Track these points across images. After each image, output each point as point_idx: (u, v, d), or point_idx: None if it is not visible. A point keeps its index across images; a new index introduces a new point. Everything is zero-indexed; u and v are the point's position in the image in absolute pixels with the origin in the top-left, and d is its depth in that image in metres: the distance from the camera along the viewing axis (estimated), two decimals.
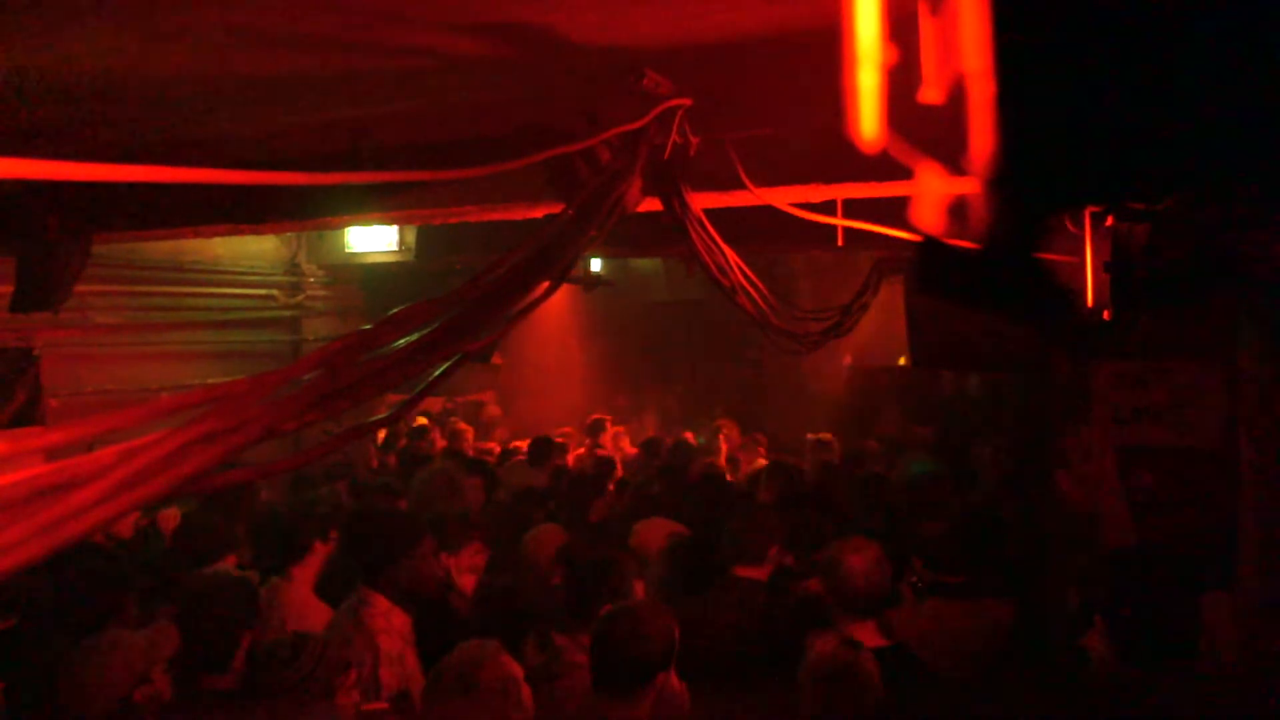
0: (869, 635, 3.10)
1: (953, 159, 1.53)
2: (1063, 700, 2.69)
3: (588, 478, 6.27)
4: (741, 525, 3.94)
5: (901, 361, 10.78)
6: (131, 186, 4.32)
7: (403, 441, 8.08)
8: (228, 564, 4.15)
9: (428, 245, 7.72)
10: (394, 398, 2.50)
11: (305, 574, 3.98)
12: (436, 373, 2.01)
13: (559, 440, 7.75)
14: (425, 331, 1.78)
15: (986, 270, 1.52)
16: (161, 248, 7.26)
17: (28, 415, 5.72)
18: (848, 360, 12.30)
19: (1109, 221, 3.20)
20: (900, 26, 1.68)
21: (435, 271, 8.04)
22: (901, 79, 1.70)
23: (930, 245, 1.63)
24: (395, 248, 8.34)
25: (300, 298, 9.15)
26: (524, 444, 8.32)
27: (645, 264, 12.67)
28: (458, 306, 1.92)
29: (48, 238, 4.75)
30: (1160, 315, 4.76)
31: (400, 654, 3.34)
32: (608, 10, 2.69)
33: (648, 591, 3.55)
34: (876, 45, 1.66)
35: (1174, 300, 3.47)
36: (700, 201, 3.64)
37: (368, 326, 1.70)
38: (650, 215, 3.57)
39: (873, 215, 3.94)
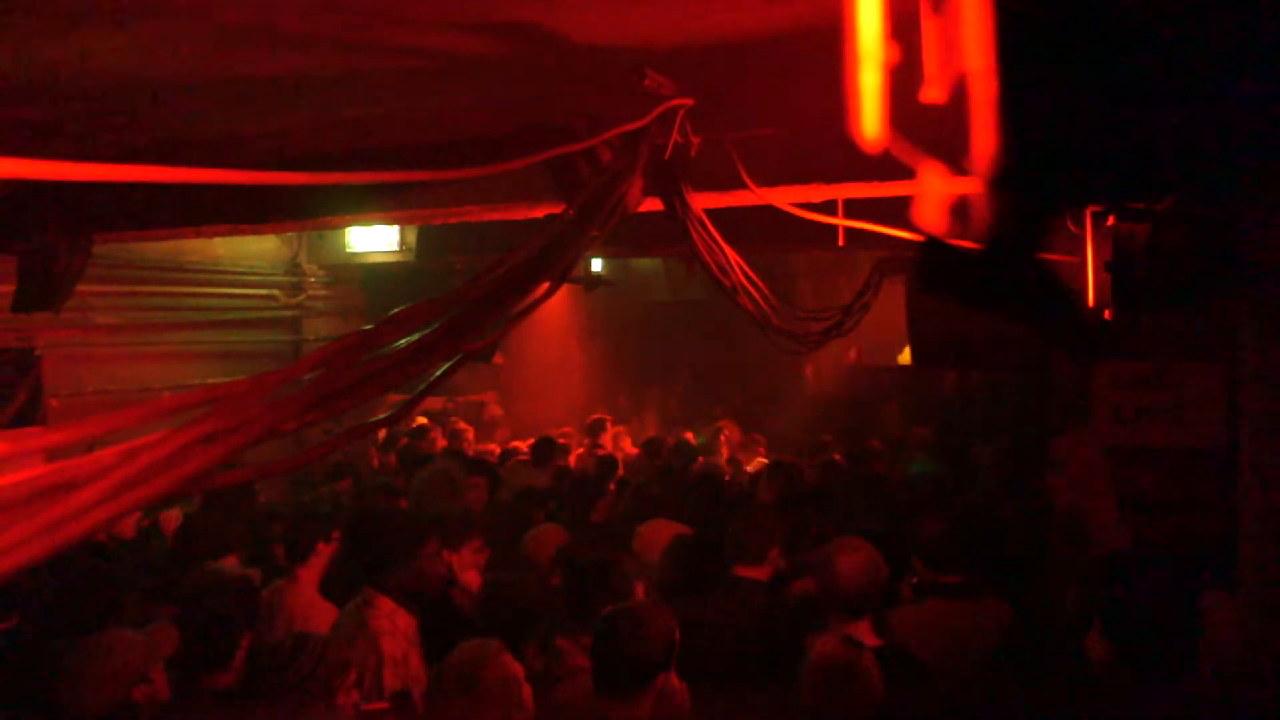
0: (862, 635, 3.10)
1: (954, 159, 1.53)
2: (1062, 701, 2.69)
3: (590, 478, 6.27)
4: (742, 525, 3.93)
5: (904, 354, 10.78)
6: (131, 186, 4.32)
7: (403, 441, 8.08)
8: (229, 564, 4.15)
9: (428, 245, 7.73)
10: (394, 398, 2.51)
11: (310, 575, 3.97)
12: (437, 373, 2.01)
13: (560, 441, 7.75)
14: (426, 331, 1.78)
15: (988, 270, 1.52)
16: (161, 248, 7.26)
17: (28, 415, 5.73)
18: (852, 353, 12.31)
19: (1110, 221, 3.21)
20: (902, 25, 1.68)
21: (435, 271, 8.04)
22: (903, 78, 1.69)
23: (931, 245, 1.63)
24: (396, 248, 8.35)
25: (301, 298, 9.16)
26: (524, 444, 8.32)
27: (646, 264, 12.68)
28: (458, 306, 1.92)
29: (48, 238, 4.75)
30: (1160, 315, 4.76)
31: (404, 655, 3.34)
32: (608, 10, 2.69)
33: (648, 592, 3.55)
34: (878, 44, 1.66)
35: (1174, 300, 3.47)
36: (701, 201, 3.64)
37: (368, 326, 1.70)
38: (651, 215, 3.57)
39: (874, 215, 3.95)
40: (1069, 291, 3.03)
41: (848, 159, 3.25)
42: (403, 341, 1.73)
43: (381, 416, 2.25)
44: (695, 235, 3.60)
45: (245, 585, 3.37)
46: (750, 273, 4.10)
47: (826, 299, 7.97)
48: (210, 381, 5.05)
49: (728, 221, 3.76)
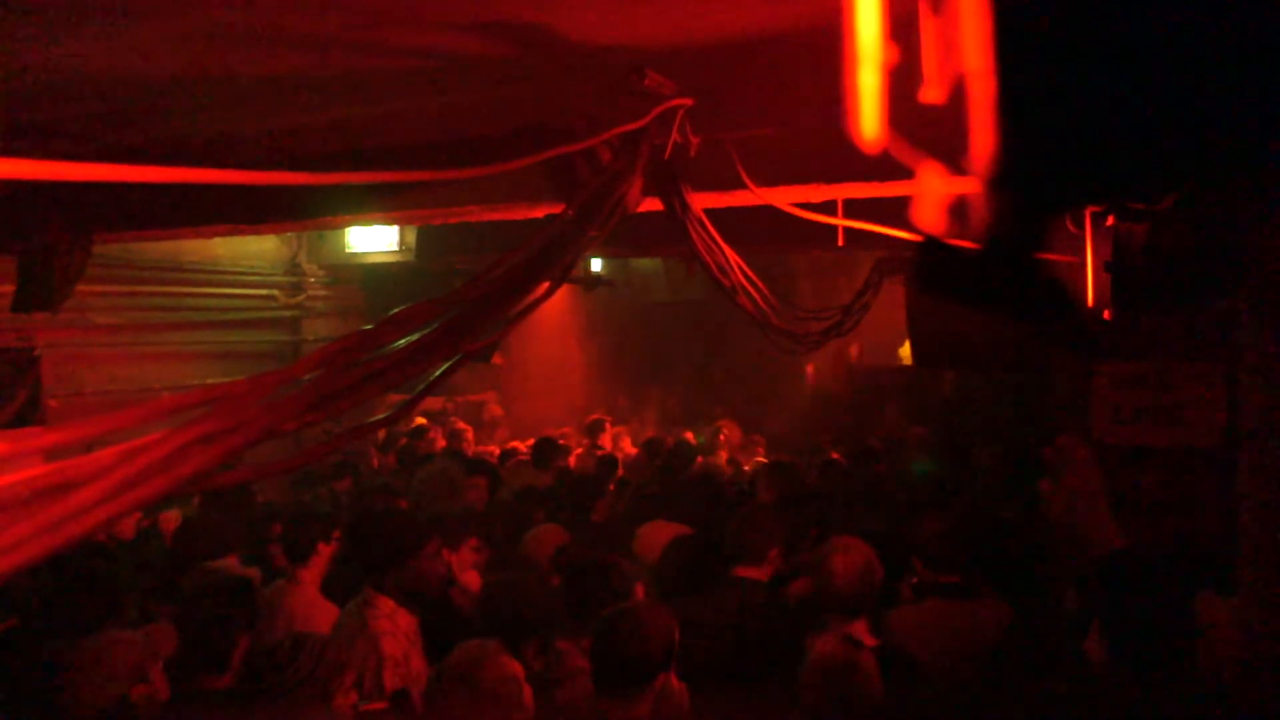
0: (859, 635, 3.11)
1: (953, 159, 1.53)
2: (1060, 701, 2.69)
3: (590, 478, 6.26)
4: (741, 525, 3.93)
5: (904, 350, 10.79)
6: (131, 186, 4.32)
7: (403, 441, 8.09)
8: (228, 564, 4.15)
9: (428, 245, 7.73)
10: (394, 398, 2.51)
11: (310, 575, 3.98)
12: (437, 373, 2.01)
13: (560, 442, 7.75)
14: (425, 331, 1.78)
15: (987, 270, 1.52)
16: (161, 248, 7.26)
17: (28, 415, 5.72)
18: (854, 350, 12.32)
19: (1109, 221, 3.21)
20: (901, 26, 1.68)
21: (435, 271, 8.05)
22: (902, 79, 1.69)
23: (931, 245, 1.63)
24: (395, 248, 8.35)
25: (300, 298, 9.15)
26: (524, 444, 8.32)
27: (645, 264, 12.69)
28: (458, 306, 1.92)
29: (48, 238, 4.75)
30: (1160, 315, 4.77)
31: (404, 655, 3.34)
32: (608, 10, 2.69)
33: (648, 592, 3.55)
34: (877, 45, 1.66)
35: (1174, 300, 3.47)
36: (701, 201, 3.64)
37: (368, 326, 1.70)
38: (651, 215, 3.57)
39: (873, 215, 3.95)
40: (1068, 292, 3.03)
41: (847, 159, 3.25)
42: (402, 342, 1.73)
43: (381, 416, 2.25)
44: (695, 235, 3.60)
45: (244, 586, 3.37)
46: (750, 273, 4.10)
47: (826, 299, 7.97)
48: (209, 382, 5.04)
49: (727, 221, 3.76)
